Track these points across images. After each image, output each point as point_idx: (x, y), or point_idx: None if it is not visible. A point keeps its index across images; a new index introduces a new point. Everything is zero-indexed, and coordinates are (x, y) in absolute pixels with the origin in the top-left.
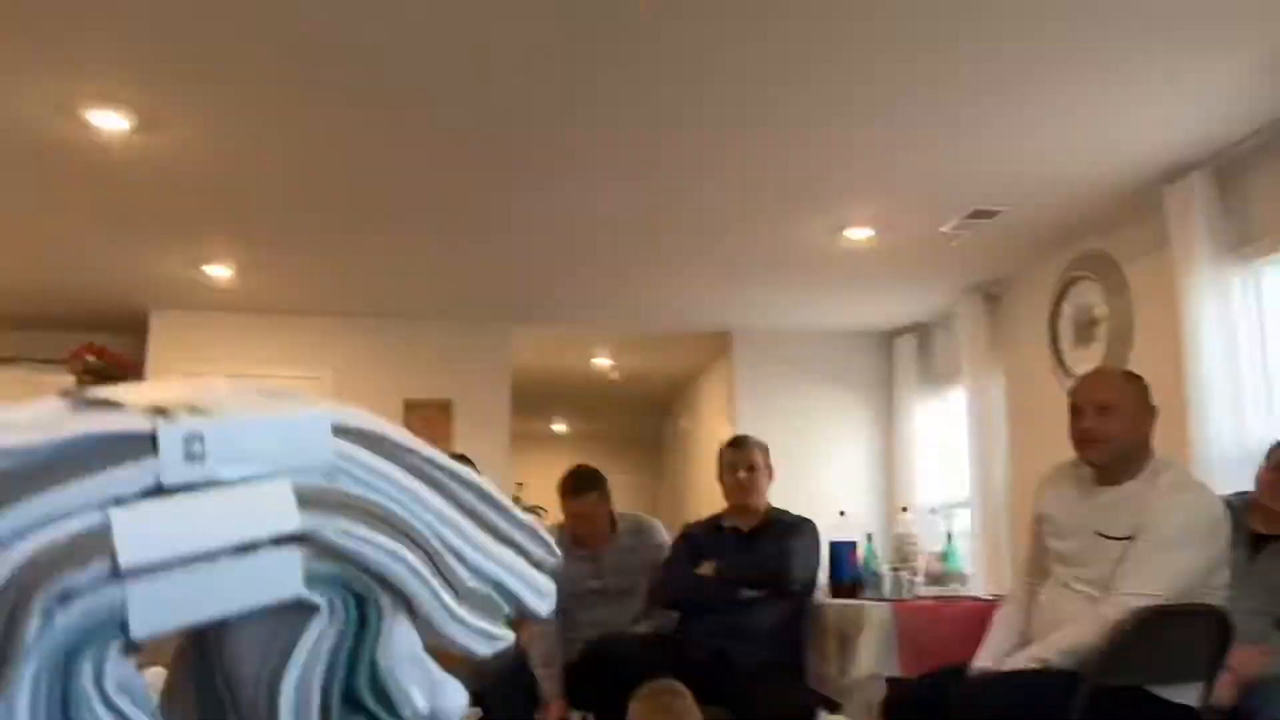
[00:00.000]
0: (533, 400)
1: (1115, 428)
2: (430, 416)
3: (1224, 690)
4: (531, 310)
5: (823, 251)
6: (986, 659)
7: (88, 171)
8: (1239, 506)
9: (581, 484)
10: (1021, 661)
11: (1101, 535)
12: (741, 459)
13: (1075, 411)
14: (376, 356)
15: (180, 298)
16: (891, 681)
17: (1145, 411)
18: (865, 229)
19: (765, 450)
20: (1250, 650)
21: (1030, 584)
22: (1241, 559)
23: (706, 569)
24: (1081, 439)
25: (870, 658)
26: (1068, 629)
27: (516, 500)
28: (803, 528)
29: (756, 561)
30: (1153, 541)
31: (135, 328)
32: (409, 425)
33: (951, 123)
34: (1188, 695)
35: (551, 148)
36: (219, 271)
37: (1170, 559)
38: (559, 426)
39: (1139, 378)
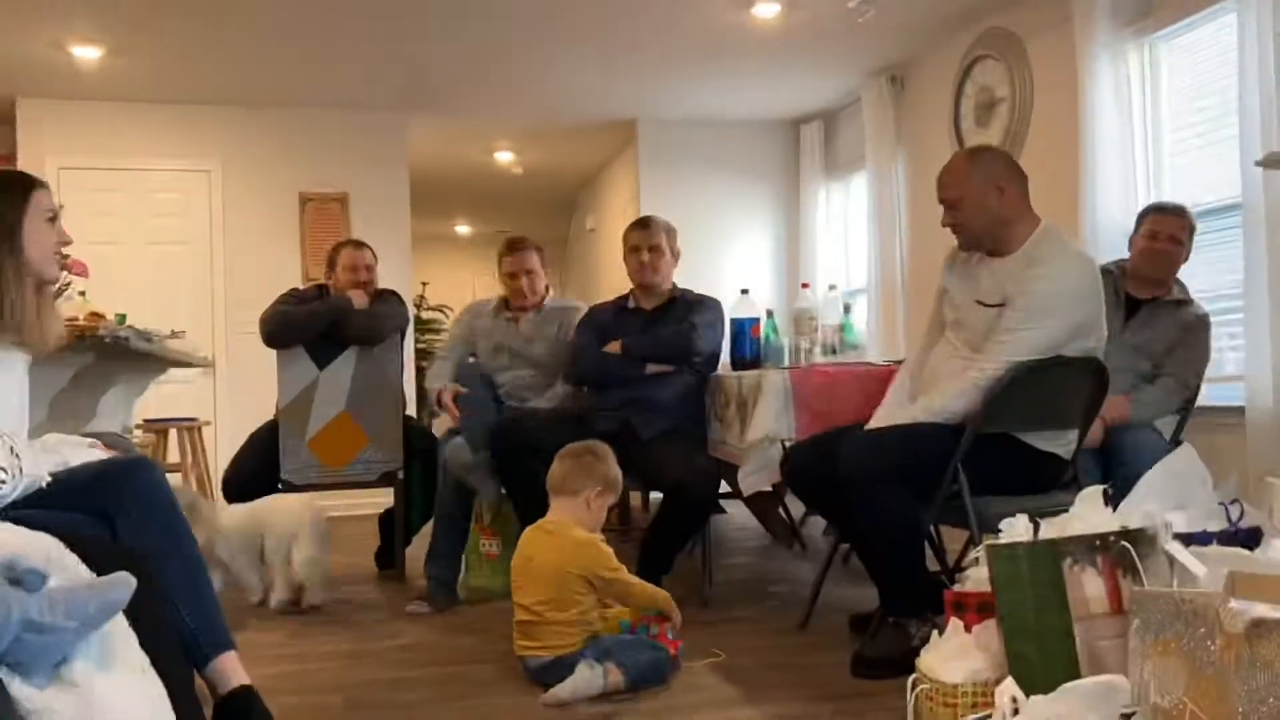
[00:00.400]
0: (434, 200)
1: (964, 217)
2: (326, 210)
3: (1094, 433)
4: (429, 100)
5: (730, 32)
6: (878, 422)
7: None
8: (1116, 273)
9: (522, 240)
10: (898, 418)
11: (980, 303)
12: (645, 240)
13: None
14: (267, 148)
15: (49, 83)
16: (790, 446)
17: (993, 191)
18: (772, 4)
19: (671, 232)
20: (1119, 398)
21: (924, 351)
22: (1116, 321)
23: (613, 348)
24: (953, 232)
25: (767, 421)
26: (934, 395)
27: (420, 300)
28: (706, 304)
29: (660, 337)
30: (1017, 312)
31: (2, 117)
32: (304, 219)
33: None
34: (1059, 445)
35: None
36: (87, 52)
37: (1031, 328)
38: (462, 228)
39: (984, 155)
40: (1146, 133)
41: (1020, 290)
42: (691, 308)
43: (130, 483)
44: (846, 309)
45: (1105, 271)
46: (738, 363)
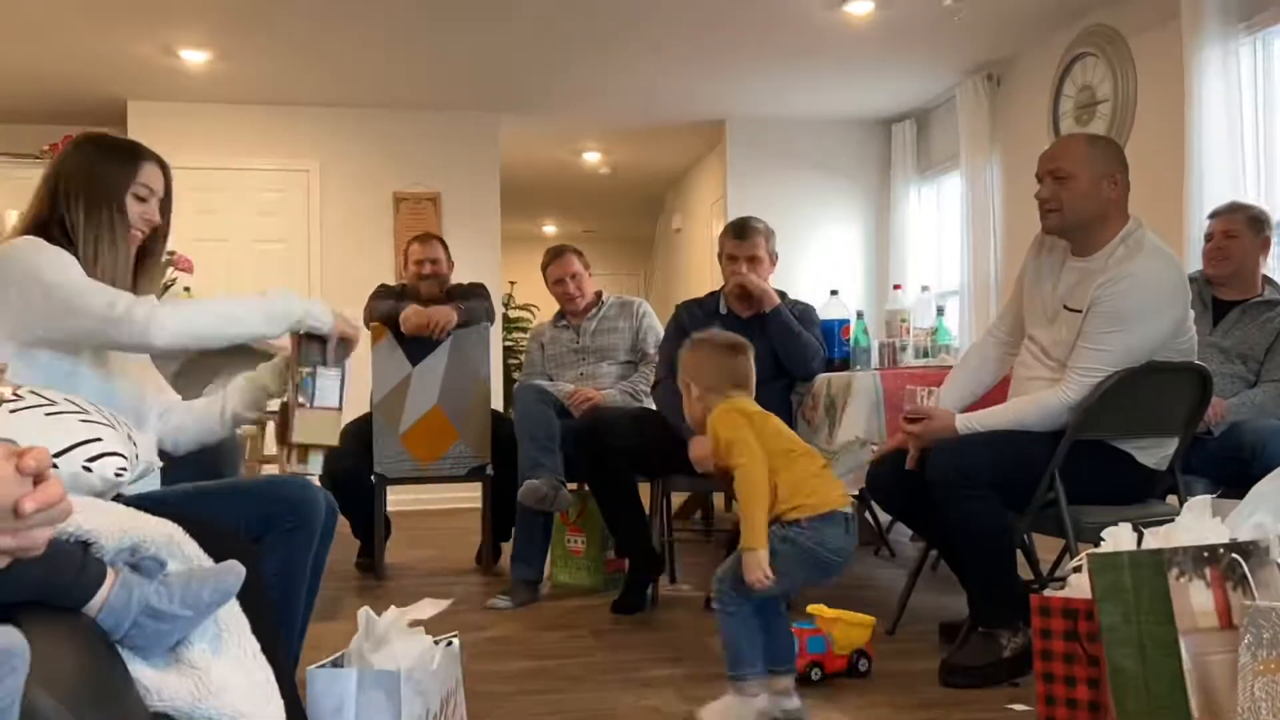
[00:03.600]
0: (522, 200)
1: (1069, 196)
2: (418, 209)
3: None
4: (520, 101)
5: (821, 30)
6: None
7: None
8: (1201, 280)
9: (560, 248)
10: (988, 420)
11: (1068, 308)
12: (744, 250)
13: (1038, 180)
14: (363, 148)
15: (158, 86)
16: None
17: (1107, 179)
18: (865, 2)
19: (770, 235)
20: (1217, 401)
21: (998, 338)
22: (1204, 326)
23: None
24: (1041, 210)
25: (857, 424)
26: (1008, 408)
27: (509, 298)
28: (809, 318)
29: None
30: (1099, 319)
31: (114, 119)
32: (398, 218)
33: None
34: (1154, 456)
35: None
36: (195, 56)
37: (1117, 334)
38: (549, 228)
39: (1105, 141)
40: (1258, 132)
41: (1102, 294)
42: (791, 322)
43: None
44: (940, 311)
45: (1190, 280)
46: (828, 364)
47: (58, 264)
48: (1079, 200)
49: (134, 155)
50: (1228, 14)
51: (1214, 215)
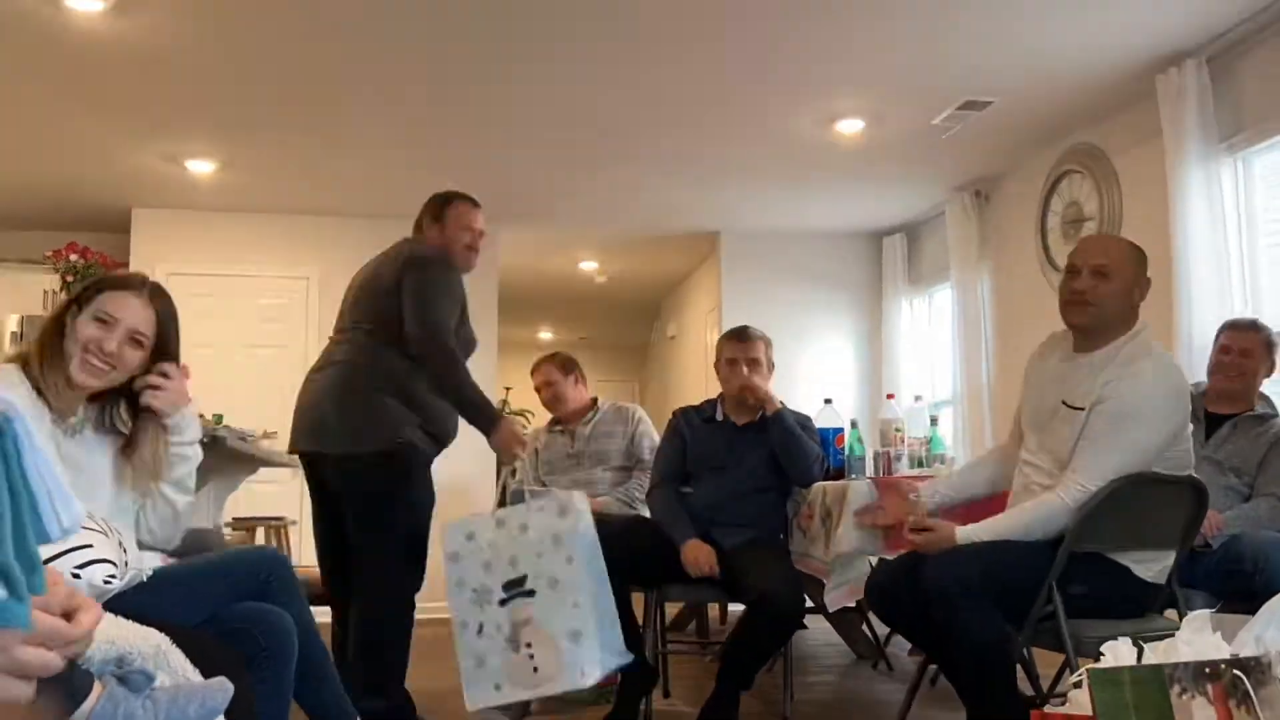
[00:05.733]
0: (519, 307)
1: (1107, 293)
2: None
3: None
4: (518, 212)
5: (813, 147)
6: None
7: (62, 56)
8: (1196, 396)
9: (544, 357)
10: (983, 533)
11: (1066, 405)
12: (745, 354)
13: (1071, 271)
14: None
15: (163, 194)
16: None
17: (1139, 282)
18: (856, 120)
19: (769, 343)
20: (1211, 513)
21: (1003, 444)
22: (1197, 438)
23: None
24: (1070, 300)
25: (852, 534)
26: (1008, 515)
27: (504, 404)
28: (807, 428)
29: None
30: (1106, 415)
31: (118, 226)
32: None
33: (944, 10)
34: (1151, 569)
35: (538, 41)
36: (201, 166)
37: (1121, 434)
38: (545, 334)
39: (1140, 250)
40: (1242, 250)
41: (1108, 393)
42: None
43: (281, 569)
44: (933, 421)
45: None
46: (822, 473)
47: None
48: (1114, 300)
49: (104, 284)
50: (1208, 134)
51: (1232, 328)
